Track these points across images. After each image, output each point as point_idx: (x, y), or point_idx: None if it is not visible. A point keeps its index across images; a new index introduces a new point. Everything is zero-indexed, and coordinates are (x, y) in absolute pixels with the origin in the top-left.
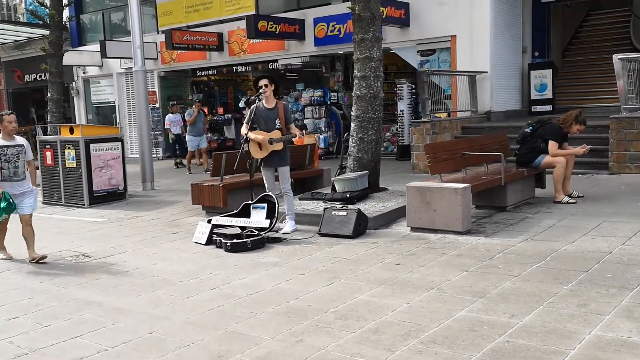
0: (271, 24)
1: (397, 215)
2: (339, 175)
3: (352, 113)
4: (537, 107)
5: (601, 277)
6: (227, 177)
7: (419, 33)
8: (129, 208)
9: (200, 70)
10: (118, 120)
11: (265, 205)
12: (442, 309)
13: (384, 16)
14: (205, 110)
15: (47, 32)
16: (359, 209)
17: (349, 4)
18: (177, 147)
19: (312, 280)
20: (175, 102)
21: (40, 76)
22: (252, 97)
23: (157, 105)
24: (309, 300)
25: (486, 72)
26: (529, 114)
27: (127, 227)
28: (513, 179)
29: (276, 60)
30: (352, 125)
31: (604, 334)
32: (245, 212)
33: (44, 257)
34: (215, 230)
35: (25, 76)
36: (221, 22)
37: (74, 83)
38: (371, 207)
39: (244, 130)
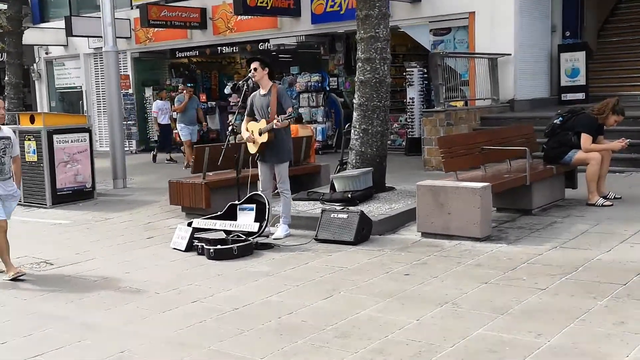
0: None
1: (405, 218)
2: (338, 172)
3: (354, 101)
4: (568, 95)
5: None
6: (210, 173)
7: (432, 9)
8: (98, 209)
9: (180, 51)
10: (85, 108)
11: (254, 206)
12: (458, 326)
13: None
14: (203, 96)
15: (5, 7)
16: (361, 211)
17: None
18: (162, 139)
19: (308, 292)
20: (164, 88)
21: None
22: (240, 82)
23: (131, 90)
24: (304, 316)
25: (509, 54)
26: (558, 103)
27: (96, 231)
28: (540, 177)
29: (267, 40)
30: (355, 114)
31: None
32: (231, 214)
33: (24, 273)
34: (197, 235)
35: None
36: None
37: (35, 65)
38: (376, 209)
39: (244, 124)
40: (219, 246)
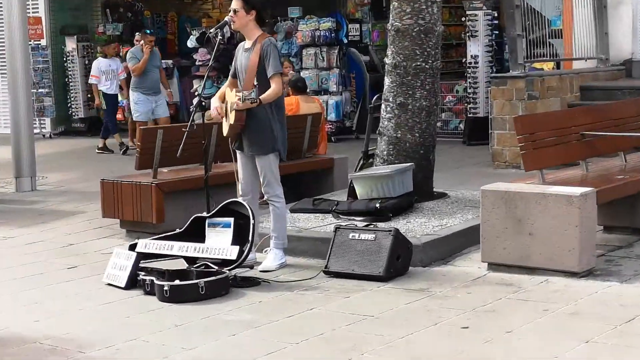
0: None
1: (463, 241)
2: (361, 169)
3: (386, 60)
4: None
5: None
6: (164, 169)
7: None
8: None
9: None
10: None
11: (231, 220)
12: None
13: None
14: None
15: None
16: (396, 230)
17: None
18: (110, 117)
19: (313, 355)
20: (106, 39)
21: None
22: (212, 31)
23: (44, 42)
24: None
25: None
26: None
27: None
28: None
29: None
30: (387, 81)
31: None
32: (196, 233)
33: None
34: (144, 264)
35: None
36: None
37: None
38: (418, 227)
39: (222, 90)
40: (177, 281)
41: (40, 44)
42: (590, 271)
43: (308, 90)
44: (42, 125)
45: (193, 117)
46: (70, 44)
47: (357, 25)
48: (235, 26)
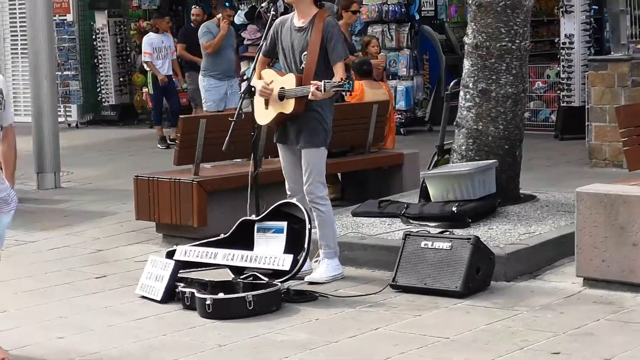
0: None
1: (554, 252)
2: (436, 166)
3: (465, 40)
4: None
5: None
6: (207, 165)
7: None
8: (12, 224)
9: None
10: None
11: (284, 225)
12: None
13: None
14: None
15: None
16: (476, 239)
17: None
18: (159, 102)
19: None
20: (162, 10)
21: None
22: (263, 4)
23: (70, 17)
24: None
25: None
26: None
27: (7, 264)
28: None
29: None
30: (467, 64)
31: None
32: (243, 239)
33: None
34: (183, 274)
35: None
36: None
37: None
38: (502, 235)
39: (252, 65)
40: (221, 295)
41: (66, 19)
42: None
43: (374, 74)
44: (67, 114)
45: (241, 104)
46: (101, 20)
47: None
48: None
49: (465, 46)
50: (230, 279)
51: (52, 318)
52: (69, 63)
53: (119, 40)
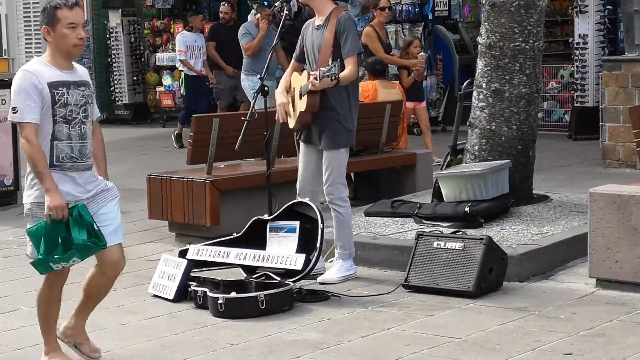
0: None
1: (567, 252)
2: (449, 166)
3: (479, 40)
4: None
5: None
6: (220, 164)
7: None
8: (24, 223)
9: None
10: (5, 46)
11: (296, 224)
12: None
13: None
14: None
15: None
16: (489, 239)
17: None
18: (190, 102)
19: None
20: (194, 8)
21: None
22: (277, 5)
23: (84, 16)
24: None
25: None
26: None
27: (20, 262)
28: None
29: None
30: (480, 64)
31: None
32: (256, 238)
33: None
34: (196, 273)
35: None
36: None
37: None
38: (514, 235)
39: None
40: (234, 294)
41: None
42: None
43: (387, 74)
44: None
45: (254, 104)
46: (114, 19)
47: None
48: None
49: (479, 46)
50: (243, 279)
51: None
52: (83, 62)
53: (132, 40)
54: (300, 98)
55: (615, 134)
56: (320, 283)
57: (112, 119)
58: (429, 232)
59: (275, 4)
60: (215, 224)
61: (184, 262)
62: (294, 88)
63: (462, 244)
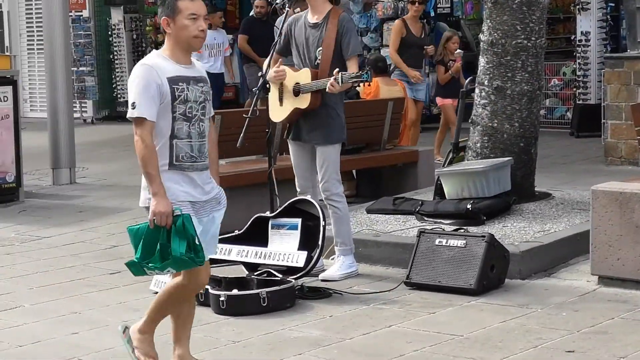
0: None
1: (569, 250)
2: (451, 163)
3: (481, 37)
4: None
5: None
6: (222, 161)
7: None
8: (26, 220)
9: None
10: (7, 43)
11: (298, 222)
12: None
13: None
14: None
15: None
16: (490, 236)
17: None
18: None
19: None
20: (216, 7)
21: None
22: (279, 1)
23: (86, 13)
24: None
25: None
26: None
27: (22, 259)
28: None
29: None
30: (482, 62)
31: None
32: (257, 235)
33: None
34: None
35: None
36: None
37: None
38: (516, 233)
39: (266, 62)
40: (235, 291)
41: (81, 15)
42: None
43: (389, 70)
44: (83, 109)
45: (256, 101)
46: (116, 16)
47: None
48: None
49: (481, 43)
50: (245, 276)
51: (66, 313)
52: (85, 59)
53: (134, 36)
54: (297, 95)
55: (617, 132)
56: (323, 280)
57: (115, 115)
58: (431, 229)
59: (277, 1)
60: None
61: None
62: (286, 84)
63: (464, 242)
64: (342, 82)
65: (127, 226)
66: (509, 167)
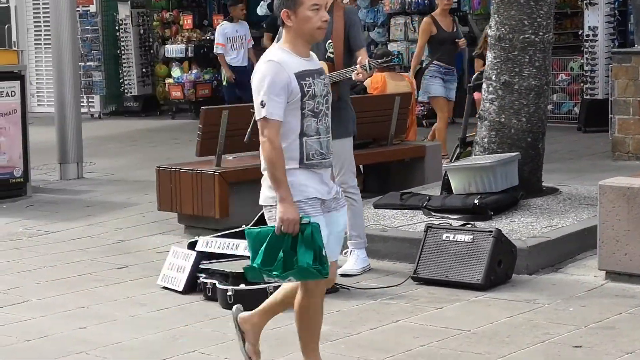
0: None
1: (576, 245)
2: (458, 159)
3: (488, 32)
4: None
5: None
6: (229, 156)
7: None
8: (33, 215)
9: None
10: (14, 38)
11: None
12: None
13: None
14: (219, 18)
15: None
16: (498, 231)
17: None
18: (231, 95)
19: None
20: (175, 3)
21: None
22: None
23: (93, 8)
24: None
25: None
26: None
27: (29, 254)
28: None
29: None
30: (489, 56)
31: None
32: None
33: None
34: (205, 265)
35: None
36: None
37: None
38: (524, 228)
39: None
40: (243, 286)
41: (89, 10)
42: None
43: (397, 66)
44: (90, 104)
45: None
46: (124, 11)
47: None
48: None
49: (489, 38)
50: None
51: (73, 308)
52: (92, 54)
53: (141, 31)
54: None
55: (625, 127)
56: (341, 275)
57: (122, 110)
58: (438, 224)
59: None
60: (225, 215)
61: (193, 254)
62: None
63: (471, 237)
64: (370, 68)
65: (245, 228)
66: (517, 162)
